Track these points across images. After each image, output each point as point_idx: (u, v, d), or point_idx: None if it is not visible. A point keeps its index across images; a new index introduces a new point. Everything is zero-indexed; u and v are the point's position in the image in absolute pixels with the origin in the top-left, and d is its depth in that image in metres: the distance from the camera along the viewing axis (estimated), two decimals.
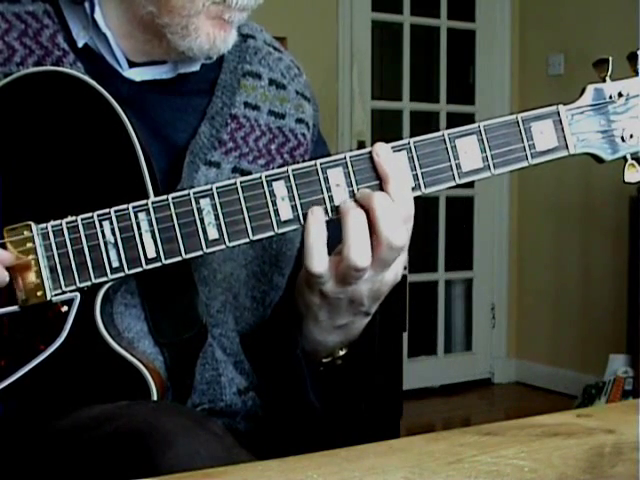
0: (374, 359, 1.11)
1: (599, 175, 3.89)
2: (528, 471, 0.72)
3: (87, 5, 1.05)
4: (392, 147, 0.95)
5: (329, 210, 0.95)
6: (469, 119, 1.06)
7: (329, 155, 1.19)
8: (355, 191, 0.95)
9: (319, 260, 0.93)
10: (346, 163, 0.95)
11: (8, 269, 0.95)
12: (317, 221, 0.93)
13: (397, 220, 0.93)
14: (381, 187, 0.94)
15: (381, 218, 0.92)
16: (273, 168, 1.11)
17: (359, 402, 1.14)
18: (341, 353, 1.06)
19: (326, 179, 0.95)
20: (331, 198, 0.95)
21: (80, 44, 1.07)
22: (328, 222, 0.96)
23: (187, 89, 1.11)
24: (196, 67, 1.11)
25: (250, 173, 1.08)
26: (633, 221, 3.87)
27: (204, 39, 1.03)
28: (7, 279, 0.95)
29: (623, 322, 3.97)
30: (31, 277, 0.95)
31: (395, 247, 0.93)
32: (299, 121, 1.16)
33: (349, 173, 0.95)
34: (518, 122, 0.98)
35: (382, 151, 0.94)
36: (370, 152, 0.95)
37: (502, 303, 4.81)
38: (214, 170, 1.07)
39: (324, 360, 1.07)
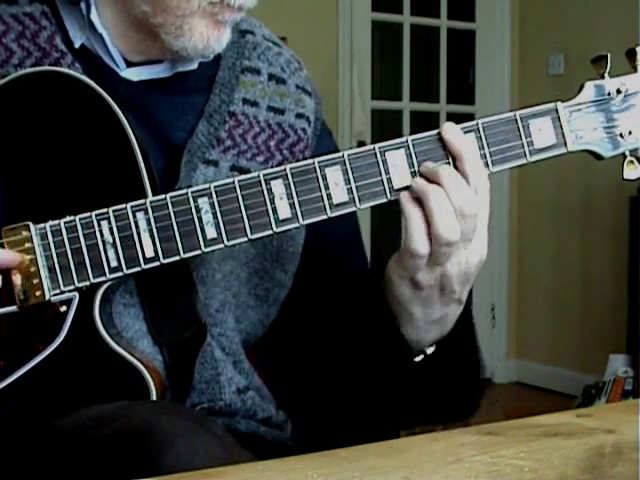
0: (477, 353, 1.08)
1: (599, 175, 3.90)
2: (528, 471, 0.72)
3: (83, 6, 1.05)
4: (391, 145, 0.95)
5: (327, 208, 0.95)
6: (469, 119, 1.06)
7: (336, 146, 1.19)
8: (354, 189, 0.95)
9: (424, 240, 0.93)
10: (344, 161, 0.95)
11: (6, 270, 0.95)
12: (414, 202, 0.93)
13: (466, 189, 0.93)
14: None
15: (448, 188, 0.92)
16: (272, 164, 1.11)
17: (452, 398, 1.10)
18: (429, 351, 1.04)
19: (324, 177, 0.95)
20: (329, 196, 0.95)
21: (77, 45, 1.07)
22: (327, 220, 0.96)
23: (185, 88, 1.11)
24: (194, 66, 1.10)
25: (249, 170, 1.08)
26: (633, 221, 3.87)
27: (198, 39, 1.03)
28: (17, 259, 0.94)
29: (623, 322, 3.97)
30: (30, 277, 0.95)
31: (467, 215, 0.93)
32: (299, 116, 1.15)
33: (347, 171, 0.95)
34: (516, 119, 0.97)
35: (454, 130, 0.96)
36: (368, 150, 0.95)
37: (502, 303, 4.81)
38: (212, 169, 1.07)
39: (416, 359, 1.04)
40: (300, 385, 1.16)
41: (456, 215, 0.93)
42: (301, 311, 1.14)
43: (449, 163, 0.95)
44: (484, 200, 0.96)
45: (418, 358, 1.04)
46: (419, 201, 0.94)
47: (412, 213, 0.94)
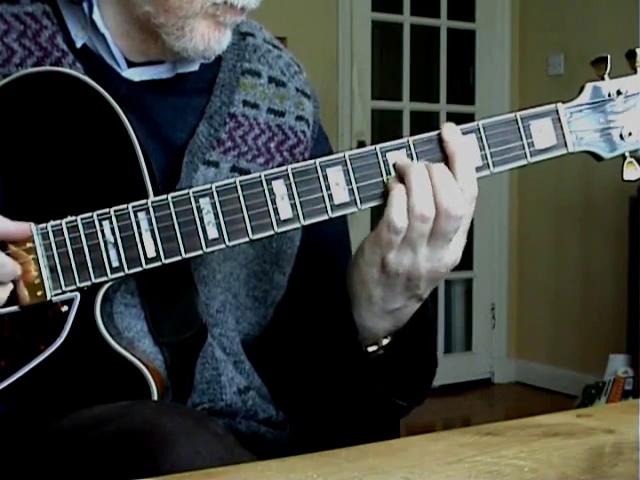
0: (433, 349, 1.09)
1: (599, 175, 3.90)
2: (528, 471, 0.72)
3: (85, 5, 1.05)
4: (392, 145, 0.96)
5: (328, 209, 0.95)
6: (469, 119, 1.06)
7: (331, 151, 1.20)
8: (355, 190, 0.95)
9: (402, 213, 0.93)
10: (345, 162, 0.95)
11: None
12: (397, 179, 0.94)
13: (455, 189, 0.93)
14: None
15: (439, 186, 0.93)
16: (272, 166, 1.11)
17: (406, 393, 1.11)
18: (385, 342, 1.04)
19: (325, 177, 0.95)
20: (330, 197, 0.95)
21: (79, 45, 1.07)
22: (327, 221, 0.96)
23: (186, 89, 1.11)
24: (195, 67, 1.11)
25: (249, 172, 1.08)
26: (633, 221, 3.87)
27: (199, 40, 1.03)
28: (19, 272, 0.94)
29: (623, 322, 3.97)
30: (31, 277, 0.95)
31: (453, 216, 0.93)
32: (299, 118, 1.16)
33: (348, 171, 0.95)
34: (517, 120, 0.98)
35: (452, 131, 0.96)
36: (369, 151, 0.95)
37: (502, 303, 4.81)
38: (213, 170, 1.07)
39: (370, 349, 1.04)
40: (291, 384, 1.16)
41: (441, 215, 0.93)
42: (292, 312, 1.14)
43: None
44: (470, 205, 0.96)
45: (372, 348, 1.04)
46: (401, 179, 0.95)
47: (393, 186, 0.94)
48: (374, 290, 0.99)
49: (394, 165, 0.96)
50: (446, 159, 0.96)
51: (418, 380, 1.10)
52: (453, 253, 0.97)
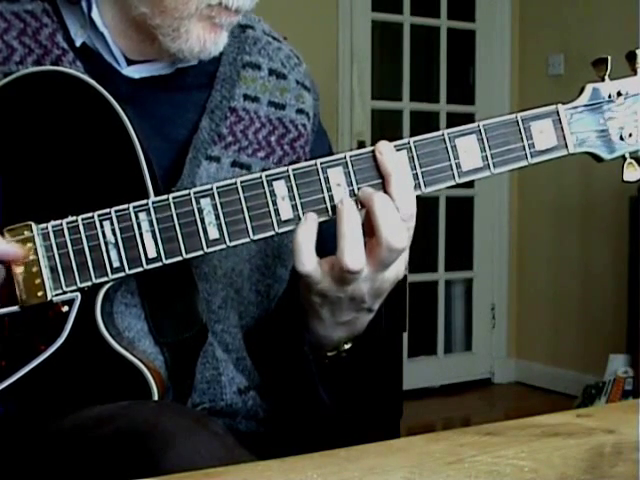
0: (377, 354, 1.10)
1: (599, 175, 3.90)
2: (528, 471, 0.72)
3: (84, 4, 1.06)
4: (393, 145, 0.96)
5: (329, 209, 0.95)
6: (469, 119, 1.06)
7: (330, 145, 1.20)
8: (355, 190, 0.95)
9: (307, 259, 0.92)
10: (346, 162, 0.95)
11: (7, 267, 0.95)
12: (307, 221, 0.92)
13: (397, 222, 0.92)
14: (383, 186, 0.94)
15: (381, 219, 0.91)
16: (273, 160, 1.11)
17: (363, 397, 1.13)
18: (346, 347, 1.05)
19: (326, 179, 0.95)
20: (331, 197, 0.95)
21: (78, 43, 1.07)
22: (328, 222, 0.96)
23: (186, 84, 1.11)
24: (194, 61, 1.11)
25: (250, 166, 1.09)
26: (633, 221, 3.87)
27: (194, 41, 1.03)
28: (2, 274, 0.95)
29: (623, 322, 3.97)
30: (31, 277, 0.95)
31: (395, 249, 0.92)
32: (299, 111, 1.16)
33: (349, 172, 0.95)
34: (517, 121, 0.98)
35: (385, 149, 0.94)
36: (371, 151, 0.95)
37: (502, 303, 4.81)
38: (214, 165, 1.07)
39: (329, 354, 1.06)
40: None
41: (382, 247, 0.91)
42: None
43: (380, 184, 0.94)
44: (410, 226, 0.94)
45: (331, 353, 1.05)
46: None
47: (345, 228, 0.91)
48: (320, 310, 0.99)
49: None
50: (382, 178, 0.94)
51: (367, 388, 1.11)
52: (394, 271, 0.96)
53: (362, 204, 0.93)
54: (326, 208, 0.95)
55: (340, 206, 0.92)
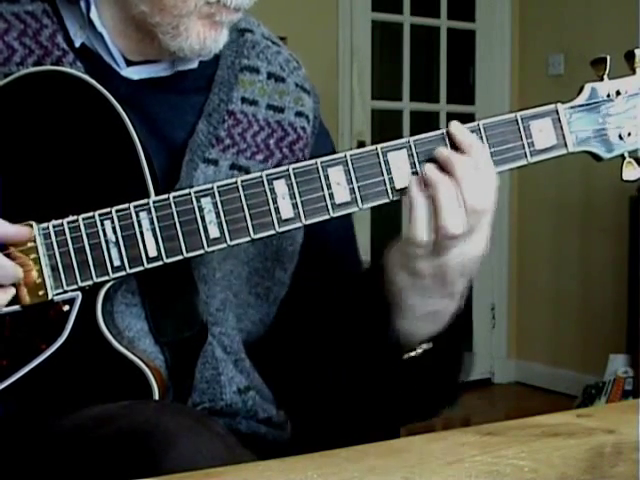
0: (461, 353, 1.10)
1: (599, 175, 3.89)
2: (528, 471, 0.72)
3: (83, 4, 1.06)
4: (393, 145, 0.96)
5: (330, 208, 0.95)
6: (469, 119, 1.06)
7: (333, 146, 1.20)
8: (356, 189, 0.95)
9: (428, 230, 0.93)
10: (346, 161, 0.95)
11: (8, 253, 0.95)
12: (422, 190, 0.93)
13: (478, 184, 0.93)
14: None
15: (463, 181, 0.92)
16: (272, 163, 1.11)
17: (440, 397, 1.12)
18: (424, 347, 1.04)
19: (327, 177, 0.95)
20: (332, 196, 0.95)
21: (77, 44, 1.07)
22: (328, 220, 0.96)
23: (185, 87, 1.11)
24: (194, 64, 1.11)
25: (248, 169, 1.09)
26: (633, 221, 3.87)
27: (194, 39, 1.03)
28: (20, 274, 0.94)
29: (623, 322, 3.97)
30: (32, 276, 0.95)
31: (478, 209, 0.93)
32: (299, 114, 1.16)
33: (349, 171, 0.95)
34: (517, 120, 0.98)
35: (461, 127, 0.96)
36: (370, 151, 0.95)
37: (502, 303, 4.80)
38: (212, 168, 1.07)
39: (407, 355, 1.04)
40: (296, 383, 1.16)
41: (466, 210, 0.93)
42: (297, 309, 1.14)
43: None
44: (493, 195, 0.96)
45: (411, 354, 1.04)
46: (427, 190, 0.94)
47: (419, 201, 0.94)
48: (411, 296, 0.99)
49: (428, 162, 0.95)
50: None
51: (445, 384, 1.10)
52: (478, 245, 0.97)
53: (441, 166, 0.94)
54: (326, 207, 0.95)
55: (434, 177, 0.93)
